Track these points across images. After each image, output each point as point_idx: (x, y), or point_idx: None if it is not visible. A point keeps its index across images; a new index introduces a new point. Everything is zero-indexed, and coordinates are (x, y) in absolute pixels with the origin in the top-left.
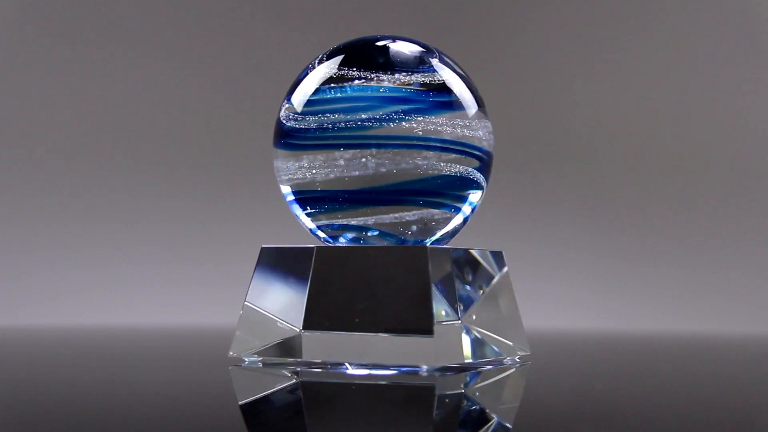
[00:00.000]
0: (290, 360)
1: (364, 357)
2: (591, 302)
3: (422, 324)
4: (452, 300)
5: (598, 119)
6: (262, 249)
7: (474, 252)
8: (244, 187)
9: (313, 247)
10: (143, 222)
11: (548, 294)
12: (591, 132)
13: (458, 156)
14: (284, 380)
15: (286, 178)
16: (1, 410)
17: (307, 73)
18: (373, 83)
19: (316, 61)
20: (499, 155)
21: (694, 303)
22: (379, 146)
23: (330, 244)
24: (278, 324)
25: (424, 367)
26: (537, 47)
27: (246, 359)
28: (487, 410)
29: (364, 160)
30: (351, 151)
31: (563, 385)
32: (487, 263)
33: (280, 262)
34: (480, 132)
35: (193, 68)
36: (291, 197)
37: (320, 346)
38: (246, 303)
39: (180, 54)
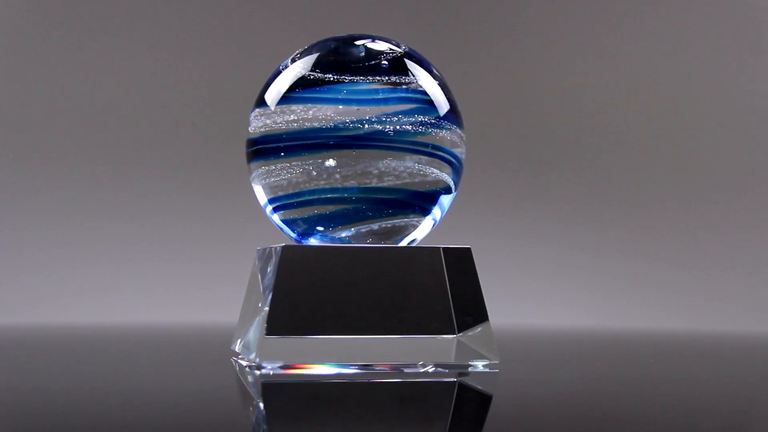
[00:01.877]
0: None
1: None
2: (568, 300)
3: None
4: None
5: (579, 114)
6: (258, 251)
7: (443, 250)
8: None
9: (333, 246)
10: (145, 221)
11: (517, 292)
12: (574, 127)
13: (430, 159)
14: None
15: (263, 185)
16: None
17: (278, 74)
18: (346, 84)
19: (289, 61)
20: (477, 152)
21: (682, 300)
22: (351, 147)
23: (350, 245)
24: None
25: (429, 367)
26: (514, 41)
27: (238, 358)
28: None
29: (330, 164)
30: (322, 158)
31: (533, 389)
32: (453, 261)
33: (275, 263)
34: (452, 136)
35: (189, 67)
36: (269, 207)
37: (294, 347)
38: (244, 302)
39: (177, 51)
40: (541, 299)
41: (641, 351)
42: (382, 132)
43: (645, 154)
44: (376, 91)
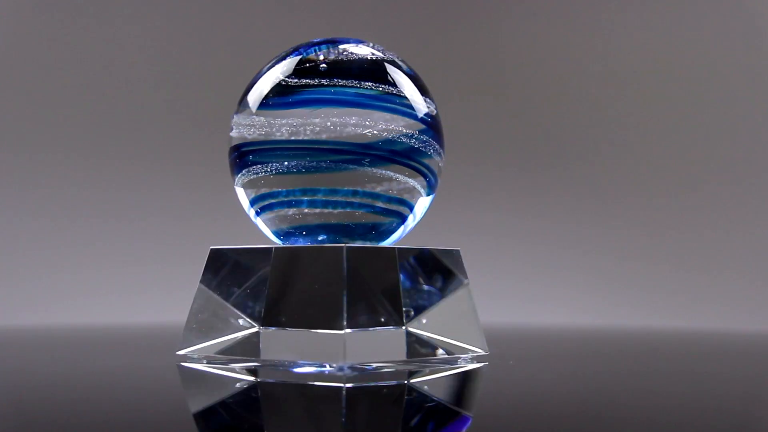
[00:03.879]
0: (237, 358)
1: (316, 356)
2: (562, 299)
3: (332, 322)
4: (397, 301)
5: (570, 113)
6: (211, 250)
7: (429, 251)
8: (200, 184)
9: (270, 248)
10: (95, 221)
11: (511, 291)
12: (570, 126)
13: (406, 169)
14: (232, 378)
15: (245, 189)
16: None
17: (260, 78)
18: (327, 88)
19: (269, 65)
20: (469, 151)
21: (679, 300)
22: (331, 152)
23: (286, 245)
24: (228, 322)
25: (373, 365)
26: (507, 35)
27: (192, 357)
28: (435, 409)
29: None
30: (304, 179)
31: (517, 384)
32: (444, 262)
33: (229, 263)
34: (431, 152)
35: (156, 61)
36: (252, 211)
37: (272, 344)
38: (194, 302)
39: (143, 44)
40: (534, 298)
41: (632, 350)
42: (362, 136)
43: (642, 153)
44: (359, 96)
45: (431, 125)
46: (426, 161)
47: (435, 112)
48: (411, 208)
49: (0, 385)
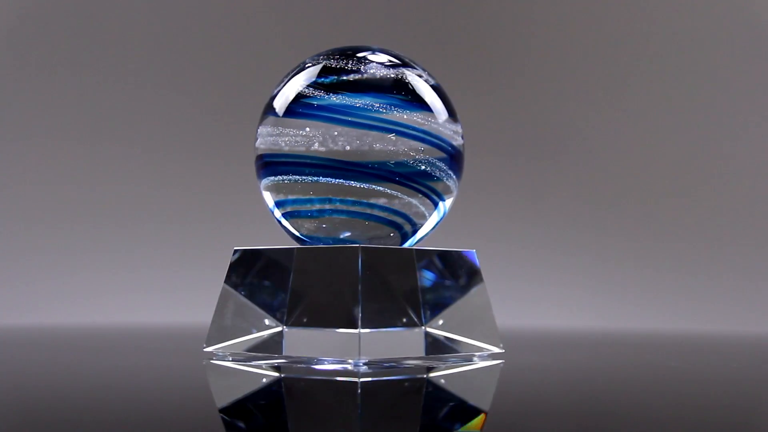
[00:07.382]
0: (259, 354)
1: (333, 353)
2: (580, 302)
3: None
4: (415, 301)
5: (580, 118)
6: (235, 251)
7: (445, 252)
8: (225, 185)
9: (292, 248)
10: (123, 222)
11: (527, 293)
12: (568, 129)
13: (415, 192)
14: (257, 375)
15: (272, 194)
16: None
17: (281, 88)
18: (347, 101)
19: (293, 74)
20: (478, 151)
21: (681, 301)
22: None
23: (306, 246)
24: (252, 322)
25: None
26: (518, 41)
27: (217, 354)
28: (452, 404)
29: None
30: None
31: (534, 382)
32: (460, 264)
33: (253, 263)
34: (449, 180)
35: (177, 64)
36: (278, 213)
37: (295, 342)
38: (219, 302)
39: (162, 49)
40: (538, 300)
41: (629, 351)
42: (384, 154)
43: (644, 155)
44: (378, 111)
45: (455, 157)
46: (439, 186)
47: (462, 144)
48: (417, 227)
49: (28, 383)
